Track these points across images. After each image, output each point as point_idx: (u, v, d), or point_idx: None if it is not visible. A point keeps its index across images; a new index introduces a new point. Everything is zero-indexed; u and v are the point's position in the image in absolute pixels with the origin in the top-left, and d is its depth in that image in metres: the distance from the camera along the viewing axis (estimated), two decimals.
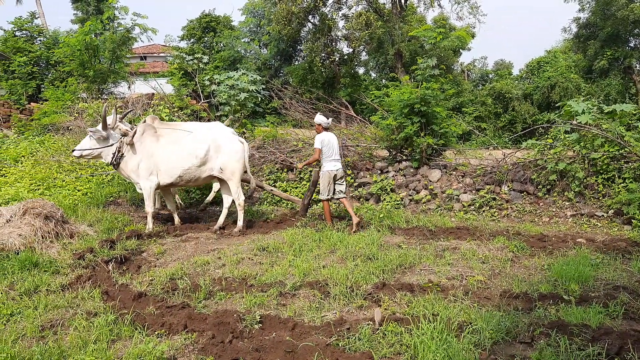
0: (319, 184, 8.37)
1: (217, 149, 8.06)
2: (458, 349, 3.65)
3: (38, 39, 30.28)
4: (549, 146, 9.58)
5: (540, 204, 8.97)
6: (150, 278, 5.66)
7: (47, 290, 5.14)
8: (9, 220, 6.71)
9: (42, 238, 6.67)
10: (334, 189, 8.24)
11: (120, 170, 8.05)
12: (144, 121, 8.44)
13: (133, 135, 7.88)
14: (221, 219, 8.31)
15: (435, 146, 10.04)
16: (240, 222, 8.13)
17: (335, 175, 8.20)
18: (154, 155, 7.90)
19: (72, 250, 6.59)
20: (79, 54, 16.32)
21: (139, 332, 4.14)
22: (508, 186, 9.28)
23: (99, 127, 7.94)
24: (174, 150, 7.94)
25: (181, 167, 7.93)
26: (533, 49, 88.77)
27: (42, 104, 16.18)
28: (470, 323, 4.16)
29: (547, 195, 9.05)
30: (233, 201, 8.37)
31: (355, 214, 7.96)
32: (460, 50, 34.49)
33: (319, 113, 8.87)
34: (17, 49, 26.92)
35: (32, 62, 25.98)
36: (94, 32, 16.94)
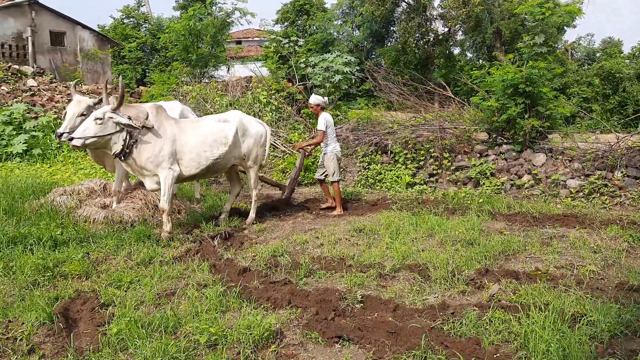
0: (326, 167, 8.22)
1: (244, 132, 7.11)
2: (572, 341, 3.47)
3: (143, 25, 32.11)
4: None
5: None
6: (253, 254, 5.87)
7: (160, 261, 5.49)
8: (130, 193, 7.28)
9: (154, 212, 7.12)
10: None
11: (130, 161, 6.34)
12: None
13: (146, 117, 6.34)
14: (228, 205, 7.59)
15: (540, 129, 9.52)
16: (253, 215, 7.45)
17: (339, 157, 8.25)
18: (176, 140, 6.53)
19: (181, 225, 6.98)
20: (183, 39, 17.11)
21: (247, 305, 4.31)
22: (622, 172, 8.62)
23: (108, 107, 6.18)
24: (197, 134, 6.70)
25: (210, 156, 6.71)
26: None
27: (149, 87, 17.17)
28: (585, 315, 3.94)
29: None
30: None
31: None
32: (565, 27, 32.34)
33: (313, 94, 8.66)
34: (125, 35, 28.70)
35: (139, 48, 27.60)
36: (197, 17, 17.65)
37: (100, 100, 6.62)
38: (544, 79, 9.53)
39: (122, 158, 6.22)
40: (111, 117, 6.00)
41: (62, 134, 6.31)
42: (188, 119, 7.54)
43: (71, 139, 5.85)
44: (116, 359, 3.50)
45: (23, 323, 3.99)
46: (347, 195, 9.33)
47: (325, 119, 8.05)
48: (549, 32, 10.73)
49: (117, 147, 6.14)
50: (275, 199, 8.92)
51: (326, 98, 8.39)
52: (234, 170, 7.60)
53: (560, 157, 9.30)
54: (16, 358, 3.54)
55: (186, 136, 6.62)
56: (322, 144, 8.23)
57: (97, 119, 5.95)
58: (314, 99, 8.19)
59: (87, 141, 5.91)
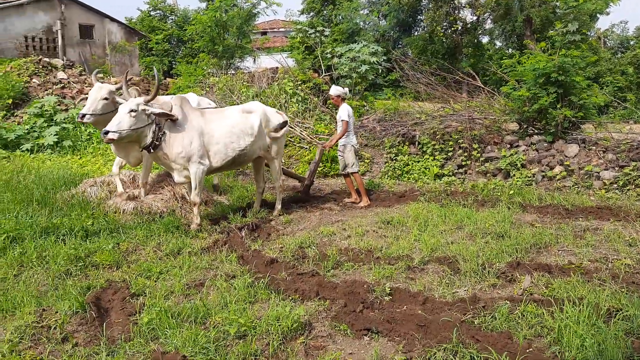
0: (344, 158, 8.13)
1: (267, 122, 7.04)
2: (608, 336, 3.38)
3: (170, 17, 32.36)
4: None
5: None
6: (280, 245, 5.87)
7: (189, 252, 5.53)
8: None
9: (182, 204, 7.18)
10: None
11: (160, 154, 6.27)
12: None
13: (170, 109, 6.23)
14: (257, 204, 7.55)
15: (573, 119, 9.28)
16: (279, 206, 7.46)
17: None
18: (204, 133, 6.44)
19: (208, 216, 7.02)
20: (209, 31, 17.18)
21: (275, 296, 4.32)
22: None
23: (141, 99, 6.10)
24: (224, 125, 6.61)
25: (237, 147, 6.63)
26: None
27: (176, 79, 17.30)
28: (620, 309, 3.84)
29: None
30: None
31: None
32: (598, 15, 31.46)
33: (333, 85, 8.55)
34: (152, 27, 28.97)
35: (166, 40, 27.82)
36: (223, 8, 17.70)
37: (122, 87, 6.65)
38: (577, 68, 9.27)
39: (151, 151, 6.16)
40: (144, 109, 5.94)
41: (84, 115, 6.46)
42: (212, 109, 7.55)
43: (106, 133, 5.70)
44: (147, 348, 3.54)
45: (57, 312, 4.06)
46: (374, 187, 9.27)
47: (347, 110, 8.02)
48: (582, 19, 10.43)
49: (147, 140, 6.06)
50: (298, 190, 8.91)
51: (346, 89, 8.32)
52: (261, 165, 7.51)
53: (594, 147, 9.06)
54: (50, 346, 3.61)
55: (213, 127, 6.53)
56: (343, 137, 8.15)
57: (131, 111, 5.85)
58: (335, 90, 8.15)
59: (123, 134, 5.80)
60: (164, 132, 6.16)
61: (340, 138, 8.13)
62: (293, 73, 13.63)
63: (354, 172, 8.12)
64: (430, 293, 4.46)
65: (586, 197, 8.03)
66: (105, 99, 6.56)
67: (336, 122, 11.26)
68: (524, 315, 3.84)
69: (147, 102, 5.99)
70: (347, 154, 8.08)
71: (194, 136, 6.30)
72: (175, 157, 6.22)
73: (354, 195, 8.20)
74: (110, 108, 6.54)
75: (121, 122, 5.80)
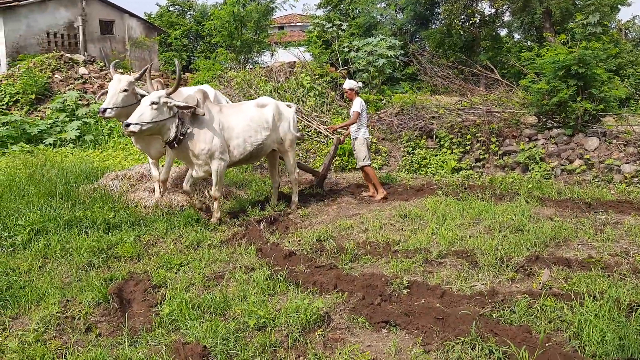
0: (357, 151, 8.14)
1: (280, 116, 7.06)
2: (629, 330, 3.36)
3: (188, 13, 32.57)
4: None
5: None
6: (298, 238, 5.92)
7: (208, 244, 5.60)
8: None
9: (201, 197, 7.26)
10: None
11: (183, 150, 6.21)
12: None
13: (197, 104, 6.17)
14: (274, 199, 7.48)
15: (593, 112, 9.15)
16: (295, 198, 7.47)
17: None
18: (224, 128, 6.43)
19: (227, 209, 7.09)
20: (227, 25, 17.26)
21: (293, 289, 4.36)
22: None
23: (163, 91, 6.03)
24: (242, 120, 6.63)
25: (254, 142, 6.67)
26: None
27: (194, 74, 17.43)
28: None
29: None
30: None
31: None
32: (619, 6, 30.89)
33: (347, 79, 8.58)
34: (171, 23, 29.17)
35: (184, 35, 28.01)
36: (241, 3, 17.76)
37: (141, 76, 6.65)
38: (598, 60, 9.14)
39: (175, 145, 6.05)
40: (166, 102, 5.86)
41: (105, 109, 6.27)
42: (228, 104, 7.60)
43: (127, 125, 5.59)
44: (168, 338, 3.60)
45: (80, 303, 4.16)
46: (391, 181, 9.25)
47: (360, 102, 8.04)
48: (603, 10, 10.27)
49: (170, 134, 5.96)
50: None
51: (360, 83, 8.37)
52: (275, 159, 7.52)
53: (615, 141, 8.94)
54: (75, 336, 3.70)
55: (232, 122, 6.54)
56: (353, 129, 8.15)
57: (152, 103, 5.75)
58: (349, 83, 8.15)
59: (144, 127, 5.69)
60: (188, 127, 6.10)
61: (349, 125, 8.16)
62: (310, 67, 13.64)
63: (366, 166, 8.13)
64: (448, 286, 4.46)
65: (606, 190, 7.94)
66: (125, 90, 6.39)
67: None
68: (543, 309, 3.83)
69: (168, 95, 5.91)
70: (361, 146, 8.10)
71: (217, 132, 6.29)
72: (199, 152, 6.18)
73: (372, 189, 8.20)
74: (132, 100, 6.45)
75: (143, 114, 5.71)
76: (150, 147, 6.93)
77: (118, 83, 6.46)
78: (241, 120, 6.62)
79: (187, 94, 6.57)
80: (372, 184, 8.22)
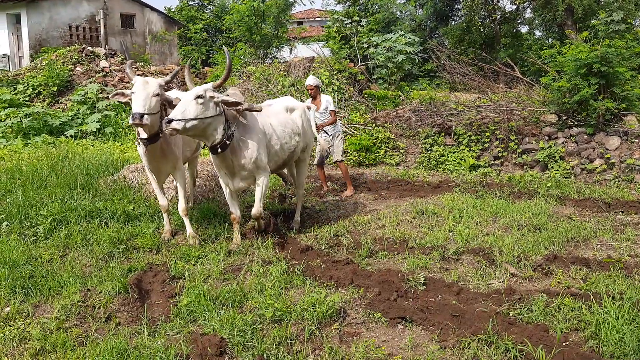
0: (335, 146, 8.19)
1: (308, 121, 6.42)
2: None
3: (208, 7, 32.73)
4: None
5: None
6: (315, 233, 5.95)
7: (226, 237, 5.65)
8: None
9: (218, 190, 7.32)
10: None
11: (227, 157, 5.20)
12: None
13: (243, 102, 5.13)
14: (297, 215, 6.52)
15: (615, 110, 9.02)
16: (298, 217, 6.48)
17: None
18: (266, 133, 5.52)
19: (244, 203, 7.14)
20: (247, 20, 17.33)
21: (310, 283, 4.39)
22: None
23: (209, 84, 5.03)
24: (277, 124, 5.77)
25: (288, 148, 5.89)
26: None
27: (214, 68, 17.52)
28: None
29: None
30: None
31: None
32: None
33: (311, 75, 8.58)
34: (191, 17, 29.35)
35: (204, 29, 28.16)
36: None
37: (172, 80, 5.81)
38: (621, 58, 8.99)
39: (219, 151, 5.07)
40: (212, 97, 4.92)
41: (142, 115, 4.91)
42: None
43: (170, 122, 4.61)
44: (186, 329, 3.66)
45: (100, 292, 4.24)
46: (409, 177, 9.22)
47: (328, 100, 8.05)
48: (627, 8, 10.10)
49: (217, 136, 4.97)
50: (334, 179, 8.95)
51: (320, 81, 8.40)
52: (292, 166, 6.71)
53: (637, 140, 8.80)
54: (95, 325, 3.77)
55: (271, 127, 5.67)
56: (330, 127, 8.15)
57: (198, 97, 4.78)
58: (314, 80, 7.93)
59: (188, 124, 4.69)
60: (235, 130, 5.15)
61: (331, 124, 8.10)
62: (329, 63, 13.64)
63: (341, 162, 8.24)
64: (465, 284, 4.46)
65: (627, 191, 7.84)
66: (158, 94, 5.12)
67: (371, 111, 11.26)
68: (560, 309, 3.81)
69: (215, 88, 4.97)
70: (340, 142, 8.23)
71: (262, 138, 5.40)
72: (246, 162, 5.24)
73: (325, 186, 8.34)
74: (159, 107, 5.23)
75: (186, 109, 4.73)
76: (163, 168, 5.79)
77: (147, 86, 5.12)
78: (278, 124, 5.78)
79: (233, 91, 5.53)
80: (326, 183, 8.37)
